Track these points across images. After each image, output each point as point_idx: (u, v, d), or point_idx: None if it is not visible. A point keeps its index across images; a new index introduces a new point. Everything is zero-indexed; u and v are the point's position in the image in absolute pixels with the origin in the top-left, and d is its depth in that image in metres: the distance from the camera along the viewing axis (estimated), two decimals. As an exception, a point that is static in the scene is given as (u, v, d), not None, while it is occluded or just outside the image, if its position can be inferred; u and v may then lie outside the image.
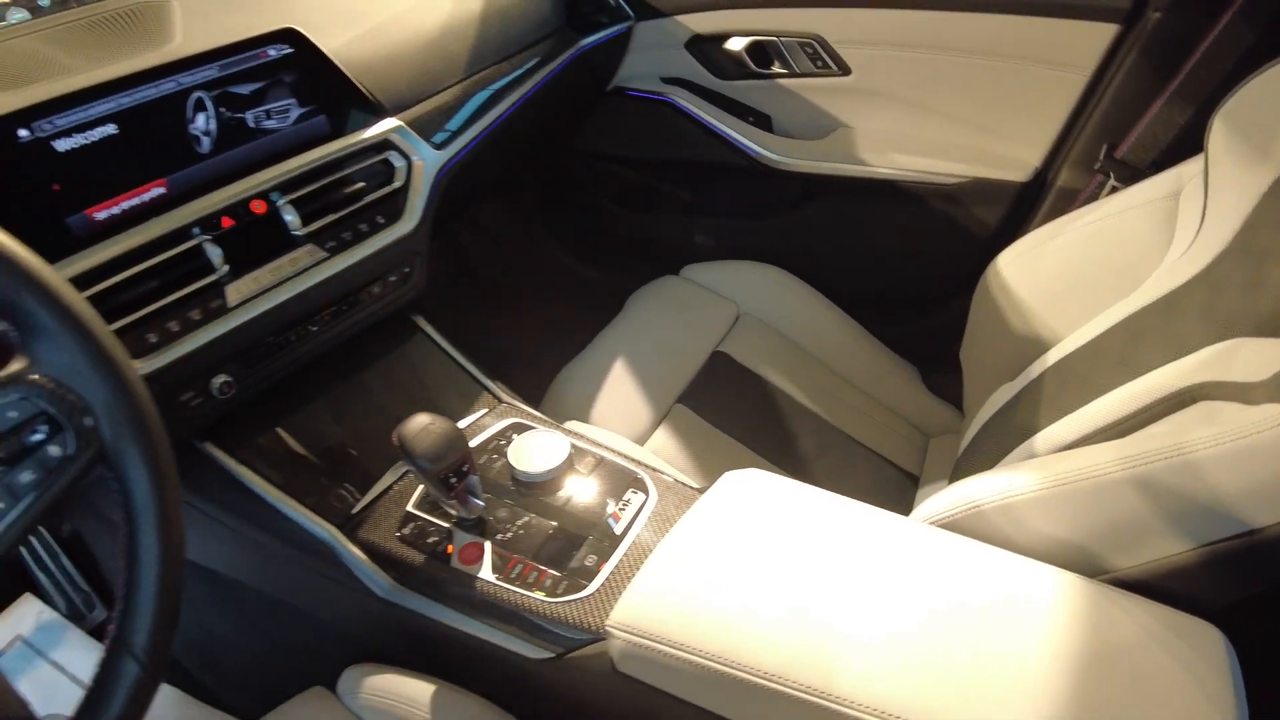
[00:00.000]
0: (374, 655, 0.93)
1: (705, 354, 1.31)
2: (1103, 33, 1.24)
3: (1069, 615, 0.67)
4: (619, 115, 1.61)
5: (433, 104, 1.10)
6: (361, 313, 1.02)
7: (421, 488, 0.93)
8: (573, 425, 1.06)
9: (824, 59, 1.42)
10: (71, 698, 1.10)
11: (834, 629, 0.68)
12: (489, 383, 1.08)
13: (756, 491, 0.82)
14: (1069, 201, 1.32)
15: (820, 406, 1.30)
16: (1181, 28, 1.16)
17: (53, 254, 0.74)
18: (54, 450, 0.51)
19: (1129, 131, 1.23)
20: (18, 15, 0.93)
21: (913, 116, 1.42)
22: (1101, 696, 0.61)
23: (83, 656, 1.27)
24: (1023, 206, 1.39)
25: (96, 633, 1.32)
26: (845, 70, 1.42)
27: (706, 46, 1.50)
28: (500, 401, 1.07)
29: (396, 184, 1.02)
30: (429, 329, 1.12)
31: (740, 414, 1.25)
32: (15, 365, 0.51)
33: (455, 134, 1.12)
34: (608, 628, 0.73)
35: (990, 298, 1.15)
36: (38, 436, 0.51)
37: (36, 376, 0.51)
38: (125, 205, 0.84)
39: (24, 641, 1.31)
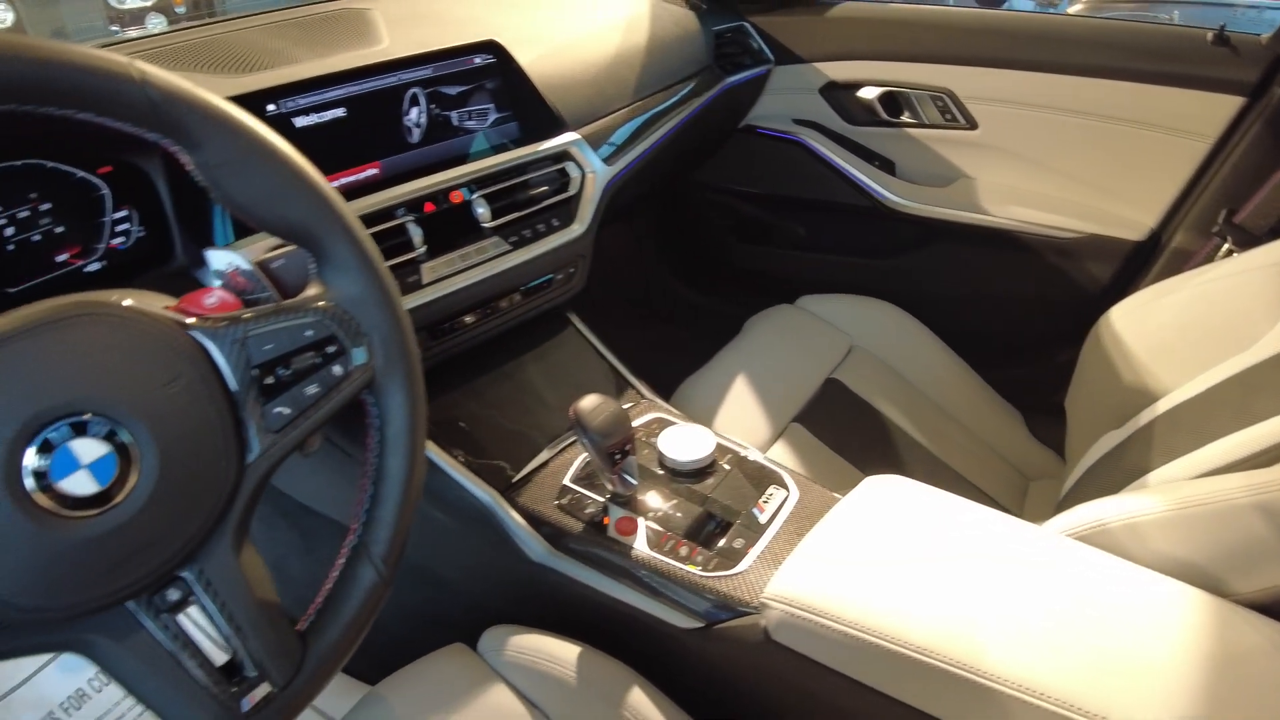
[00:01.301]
0: (514, 619, 1.00)
1: (820, 380, 1.38)
2: (1228, 104, 1.30)
3: (1195, 622, 0.72)
4: (747, 151, 1.71)
5: (604, 123, 1.21)
6: (530, 305, 1.11)
7: (578, 462, 1.01)
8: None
9: (953, 112, 1.51)
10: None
11: (977, 615, 0.73)
12: (634, 380, 1.17)
13: (900, 494, 0.89)
14: (1183, 262, 1.38)
15: (927, 439, 1.35)
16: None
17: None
18: (336, 370, 0.59)
19: (1248, 199, 1.28)
20: (154, 22, 1.06)
21: (1034, 172, 1.50)
22: (1226, 698, 0.66)
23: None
24: (1135, 265, 1.45)
25: None
26: (973, 125, 1.50)
27: (840, 93, 1.59)
28: (643, 398, 1.16)
29: (571, 191, 1.12)
30: (582, 327, 1.21)
31: (852, 438, 1.31)
32: (313, 290, 0.59)
33: (619, 152, 1.22)
34: (764, 599, 0.80)
35: (1101, 347, 1.20)
36: (322, 357, 0.59)
37: (329, 303, 0.59)
38: (344, 181, 0.95)
39: None
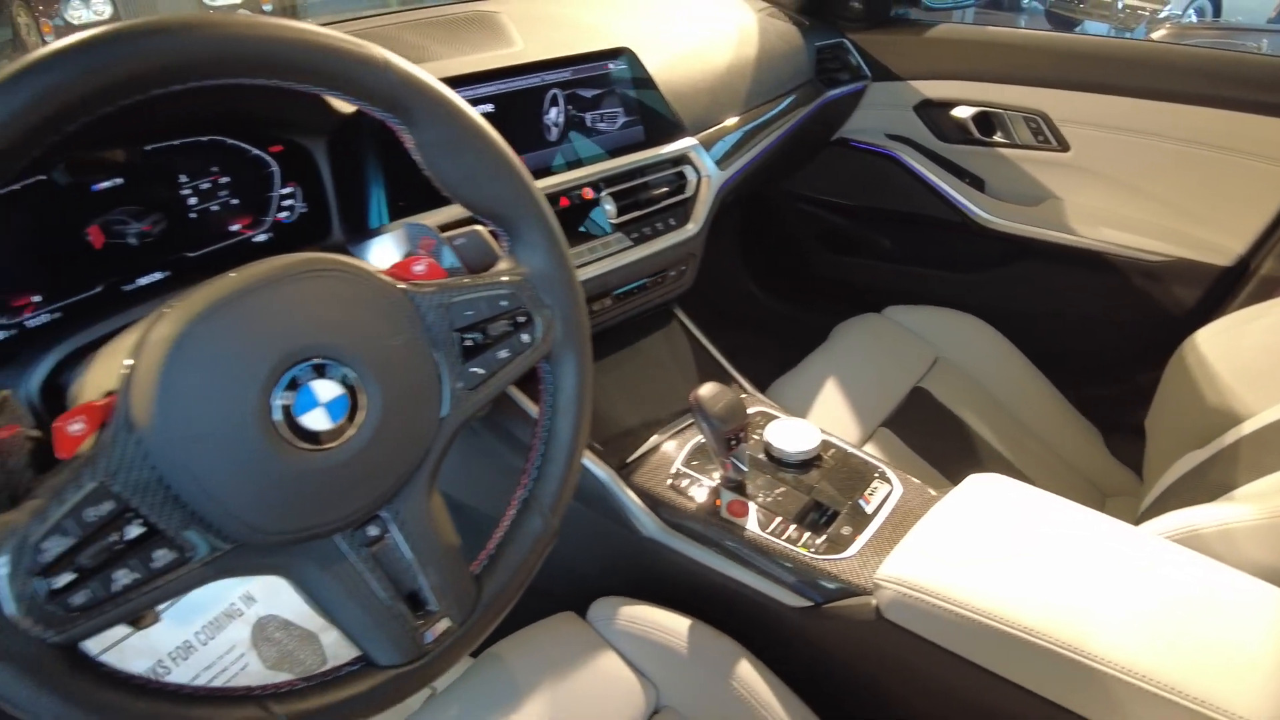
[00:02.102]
0: (619, 593, 1.07)
1: (907, 388, 1.43)
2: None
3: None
4: (839, 163, 1.77)
5: (718, 130, 1.27)
6: (644, 298, 1.18)
7: (689, 447, 1.07)
8: None
9: (1045, 134, 1.55)
10: (286, 603, 1.31)
11: (1083, 603, 0.78)
12: (737, 375, 1.23)
13: (1002, 492, 0.94)
14: (1272, 289, 1.41)
15: (1009, 451, 1.39)
16: None
17: (438, 202, 0.91)
18: (525, 338, 0.66)
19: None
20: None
21: (1124, 195, 1.54)
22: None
23: None
24: (1222, 290, 1.48)
25: None
26: (1065, 147, 1.55)
27: (934, 111, 1.65)
28: (745, 392, 1.22)
29: (687, 194, 1.19)
30: (688, 322, 1.28)
31: (938, 446, 1.36)
32: (505, 265, 0.67)
33: (728, 158, 1.28)
34: (878, 580, 0.85)
35: (1186, 369, 1.24)
36: (513, 325, 0.66)
37: (521, 278, 0.66)
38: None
39: None
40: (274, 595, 1.46)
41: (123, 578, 0.48)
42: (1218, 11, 7.08)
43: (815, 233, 1.89)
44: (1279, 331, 1.18)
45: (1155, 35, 5.05)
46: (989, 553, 0.84)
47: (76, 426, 0.49)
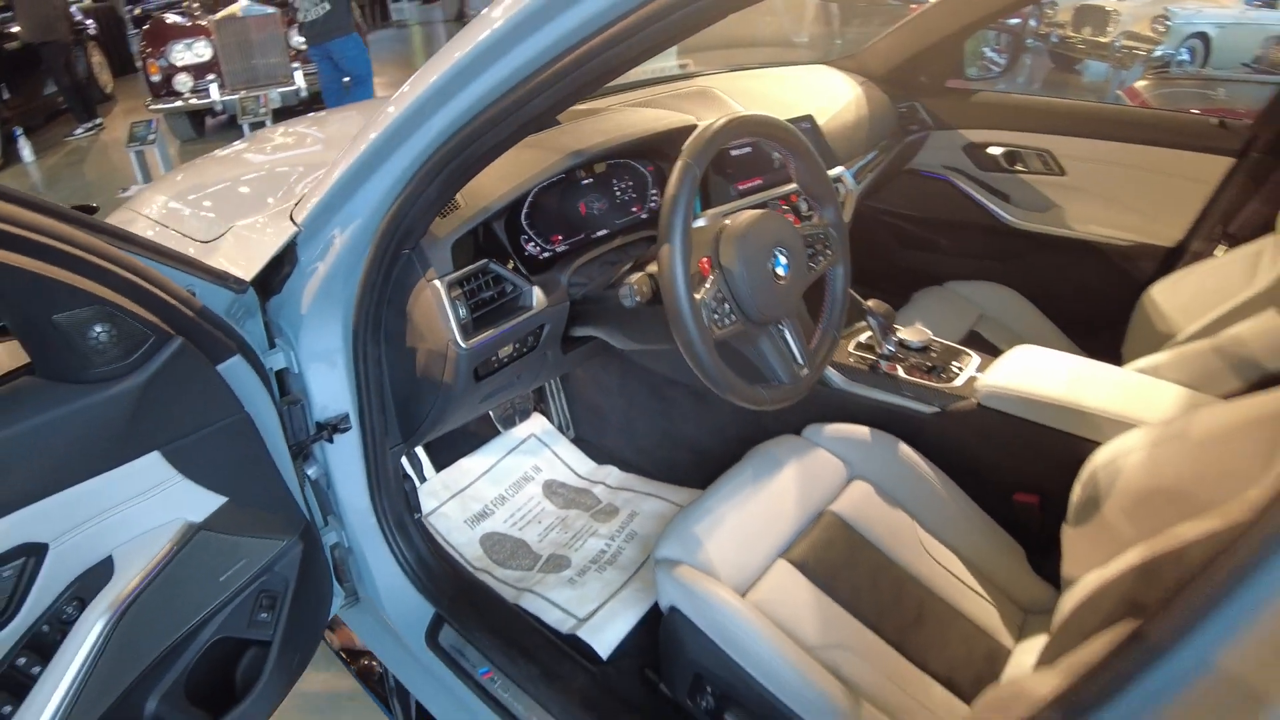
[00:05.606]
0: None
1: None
2: (1225, 162, 2.14)
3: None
4: (911, 186, 2.60)
5: (851, 160, 2.09)
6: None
7: (861, 337, 1.86)
8: None
9: (1051, 165, 2.39)
10: (561, 471, 2.20)
11: (1130, 398, 1.56)
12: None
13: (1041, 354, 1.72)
14: (1198, 258, 2.20)
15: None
16: (1269, 160, 2.06)
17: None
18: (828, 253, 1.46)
19: (1234, 216, 2.12)
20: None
21: (1102, 203, 2.36)
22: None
23: (567, 450, 2.25)
24: (1169, 259, 2.28)
25: (577, 442, 2.29)
26: (1063, 173, 2.38)
27: (975, 150, 2.49)
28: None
29: (841, 199, 1.99)
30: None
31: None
32: (817, 219, 1.47)
33: (858, 178, 2.10)
34: (975, 386, 1.62)
35: (1147, 309, 2.01)
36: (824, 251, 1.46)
37: (824, 224, 1.46)
38: (751, 184, 1.80)
39: (536, 438, 2.29)
40: (552, 466, 2.23)
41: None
42: (1208, 50, 7.91)
43: (893, 235, 2.72)
44: (1204, 278, 1.96)
45: (1139, 84, 5.87)
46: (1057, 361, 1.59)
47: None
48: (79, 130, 7.79)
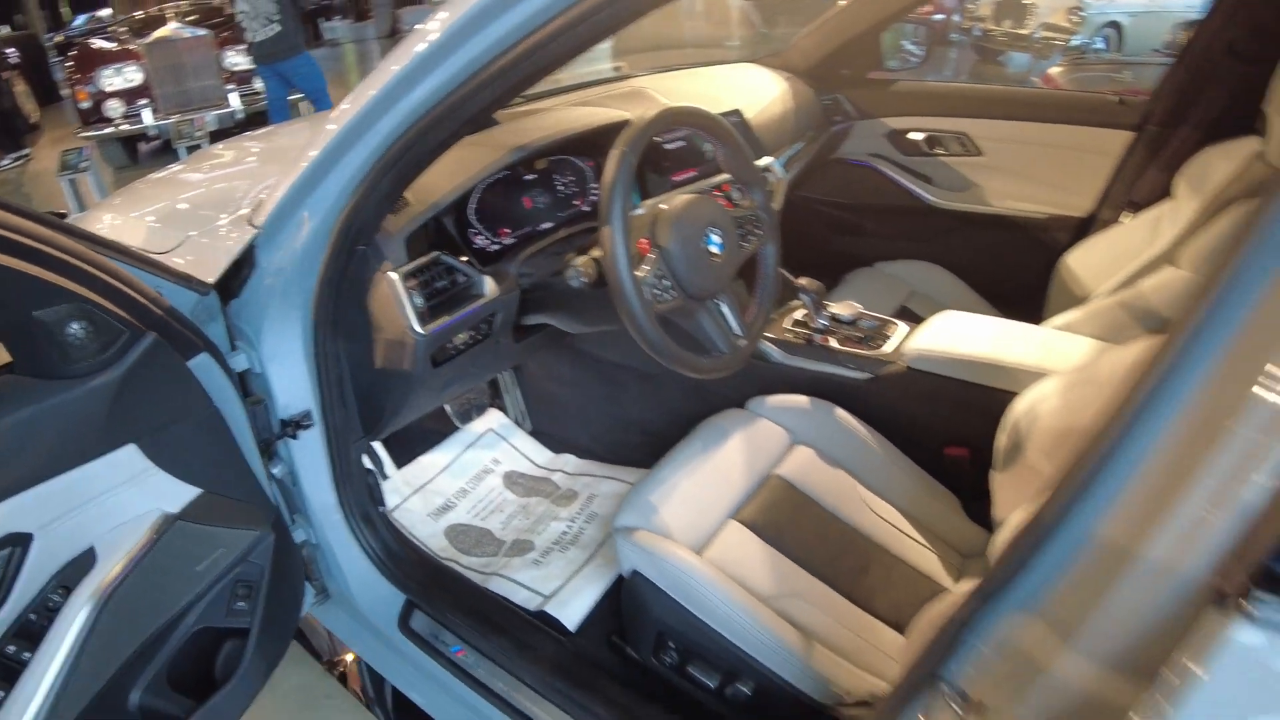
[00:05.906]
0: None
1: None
2: (1125, 136, 2.29)
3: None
4: (837, 174, 2.73)
5: (779, 151, 2.20)
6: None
7: (795, 315, 1.96)
8: None
9: (968, 147, 2.52)
10: (520, 462, 2.29)
11: (1040, 353, 1.68)
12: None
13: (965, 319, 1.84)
14: (1106, 226, 2.35)
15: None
16: (1164, 133, 2.21)
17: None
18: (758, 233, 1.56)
19: (1136, 185, 2.27)
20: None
21: (1017, 180, 2.50)
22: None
23: (524, 441, 2.32)
24: (1080, 229, 2.42)
25: (534, 434, 2.36)
26: (980, 153, 2.52)
27: (898, 136, 2.62)
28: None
29: (770, 186, 2.10)
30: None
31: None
32: (747, 202, 1.57)
33: (787, 168, 2.21)
34: (902, 351, 1.73)
35: (1063, 276, 2.15)
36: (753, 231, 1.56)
37: (752, 206, 1.56)
38: (686, 176, 1.91)
39: (494, 432, 2.36)
40: (511, 457, 2.30)
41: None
42: (1121, 37, 8.36)
43: (824, 221, 2.84)
44: (1112, 243, 2.10)
45: (1053, 70, 6.12)
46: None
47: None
48: (5, 161, 7.67)
